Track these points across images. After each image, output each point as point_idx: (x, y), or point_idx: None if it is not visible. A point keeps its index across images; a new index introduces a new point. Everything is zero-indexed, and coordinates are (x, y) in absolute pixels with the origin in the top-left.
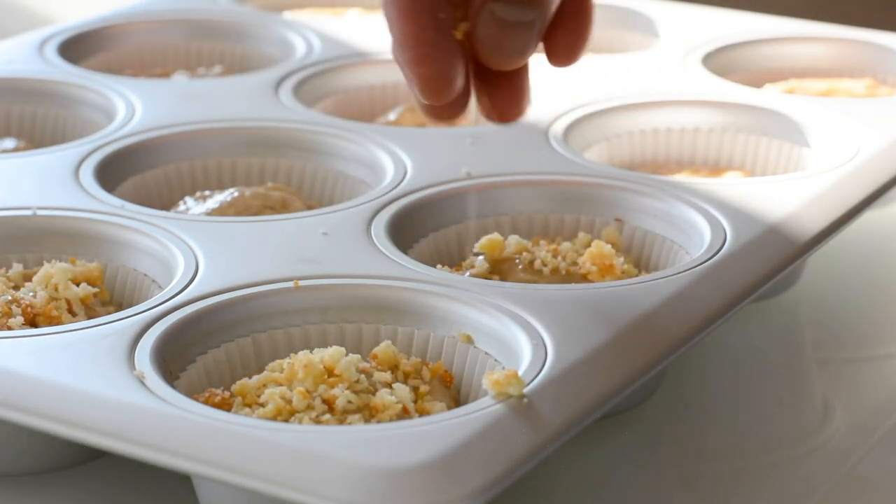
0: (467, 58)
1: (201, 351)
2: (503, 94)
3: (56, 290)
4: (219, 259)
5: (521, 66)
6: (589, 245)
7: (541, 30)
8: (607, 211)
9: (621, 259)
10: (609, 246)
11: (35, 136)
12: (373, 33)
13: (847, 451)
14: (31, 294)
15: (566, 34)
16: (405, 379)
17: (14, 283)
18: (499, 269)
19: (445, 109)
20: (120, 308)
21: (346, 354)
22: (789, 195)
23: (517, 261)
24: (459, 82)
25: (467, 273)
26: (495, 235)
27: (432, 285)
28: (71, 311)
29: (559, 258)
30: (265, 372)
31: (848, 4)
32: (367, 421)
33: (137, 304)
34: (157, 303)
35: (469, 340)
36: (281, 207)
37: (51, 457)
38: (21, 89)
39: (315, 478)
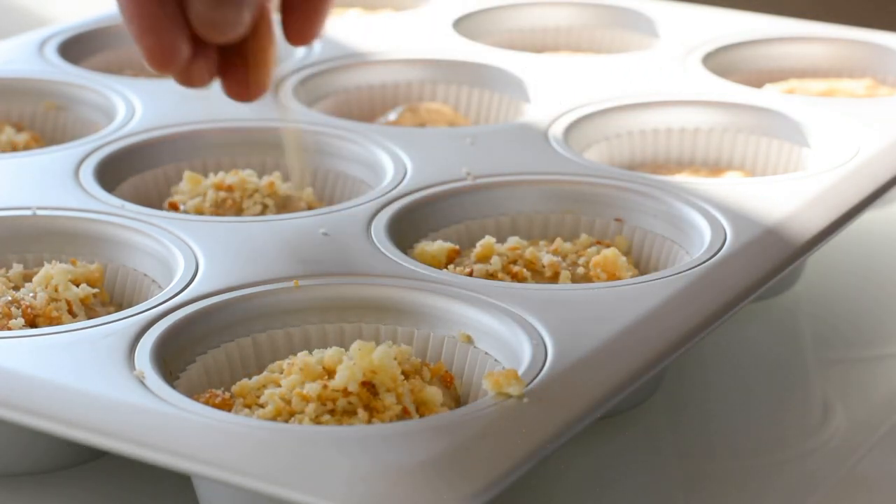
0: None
1: (201, 351)
2: (236, 69)
3: (56, 290)
4: (219, 259)
5: (261, 42)
6: (589, 246)
7: (251, 5)
8: (607, 211)
9: (630, 273)
10: (623, 259)
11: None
12: (373, 33)
13: (847, 451)
14: (31, 295)
15: (299, 15)
16: (405, 379)
17: (14, 283)
18: (499, 269)
19: (188, 76)
20: (120, 308)
21: (347, 352)
22: (789, 195)
23: (517, 261)
24: (184, 52)
25: (468, 273)
26: (490, 239)
27: (432, 285)
28: (71, 312)
29: (559, 258)
30: (265, 373)
31: (848, 4)
32: (367, 421)
33: (137, 304)
34: (157, 303)
35: (469, 340)
36: (281, 207)
37: (51, 457)
38: (21, 89)
39: (315, 478)
